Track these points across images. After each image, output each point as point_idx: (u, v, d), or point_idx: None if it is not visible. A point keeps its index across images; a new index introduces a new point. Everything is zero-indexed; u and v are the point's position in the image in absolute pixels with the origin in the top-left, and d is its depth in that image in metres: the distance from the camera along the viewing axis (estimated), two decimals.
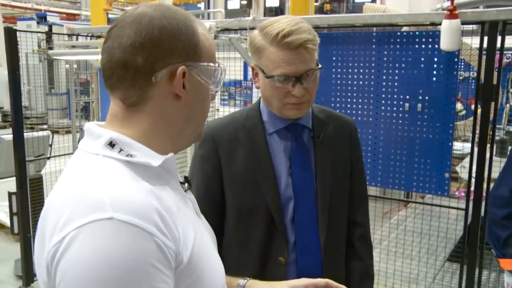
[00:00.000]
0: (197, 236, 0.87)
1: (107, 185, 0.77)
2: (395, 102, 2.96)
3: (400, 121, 2.95)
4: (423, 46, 2.83)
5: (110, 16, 9.82)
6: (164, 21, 0.86)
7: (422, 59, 2.84)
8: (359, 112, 3.06)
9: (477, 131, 2.70)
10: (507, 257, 2.13)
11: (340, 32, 3.12)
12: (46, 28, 10.86)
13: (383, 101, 2.98)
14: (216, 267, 0.92)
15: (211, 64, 0.92)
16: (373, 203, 3.73)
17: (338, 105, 3.11)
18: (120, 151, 0.84)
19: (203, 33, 0.92)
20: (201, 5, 24.35)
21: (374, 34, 2.99)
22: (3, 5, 15.43)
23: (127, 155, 0.83)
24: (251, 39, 1.38)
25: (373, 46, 2.95)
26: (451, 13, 2.58)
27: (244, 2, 23.87)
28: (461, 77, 5.24)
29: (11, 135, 4.10)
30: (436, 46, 2.74)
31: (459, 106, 5.34)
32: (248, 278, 1.21)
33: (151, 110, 0.88)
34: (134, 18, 0.86)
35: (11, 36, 3.97)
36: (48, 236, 0.76)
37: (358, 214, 1.60)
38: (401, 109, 2.94)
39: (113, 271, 0.71)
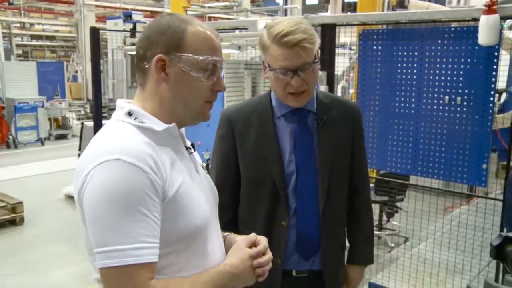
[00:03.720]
0: (185, 184, 1.17)
1: (119, 139, 1.11)
2: (435, 95, 3.07)
3: (440, 114, 3.06)
4: (463, 41, 2.93)
5: (189, 13, 10.31)
6: (159, 23, 1.19)
7: (462, 53, 2.94)
8: (402, 104, 3.20)
9: None
10: None
11: (384, 28, 3.28)
12: (131, 26, 11.63)
13: (424, 94, 3.11)
14: (198, 211, 1.19)
15: (191, 55, 1.17)
16: (434, 198, 3.83)
17: (381, 98, 3.27)
18: (135, 119, 1.17)
19: (194, 32, 1.18)
20: (280, 1, 24.64)
21: (417, 30, 3.12)
22: (96, 6, 16.72)
23: (139, 122, 1.16)
24: (260, 37, 1.65)
25: (415, 42, 3.09)
26: (490, 9, 2.67)
27: None
28: None
29: (92, 122, 4.66)
30: (476, 40, 2.83)
31: None
32: (230, 233, 1.40)
33: (150, 89, 1.20)
34: (149, 22, 1.22)
35: (95, 34, 4.49)
36: (79, 174, 1.10)
37: (360, 185, 1.83)
38: (441, 101, 3.05)
39: (118, 194, 1.04)
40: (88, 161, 1.09)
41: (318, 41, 1.64)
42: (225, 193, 1.76)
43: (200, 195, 1.23)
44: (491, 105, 2.91)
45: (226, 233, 1.39)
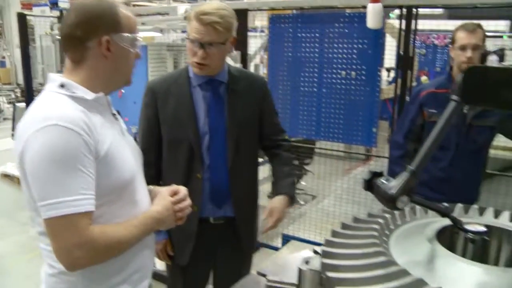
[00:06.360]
0: (114, 144, 1.34)
1: (54, 107, 1.26)
2: (334, 71, 3.59)
3: (338, 86, 3.59)
4: (356, 24, 3.46)
5: None
6: (90, 7, 1.34)
7: (355, 35, 3.47)
8: (306, 79, 3.71)
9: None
10: None
11: (291, 13, 3.77)
12: (58, 13, 11.44)
13: (325, 70, 3.63)
14: (127, 166, 1.39)
15: (129, 34, 1.38)
16: (337, 161, 4.32)
17: (289, 73, 3.76)
18: (67, 90, 1.32)
19: (125, 13, 1.38)
20: None
21: (318, 15, 3.62)
22: None
23: (72, 92, 1.32)
24: (189, 12, 1.97)
25: (316, 25, 3.59)
26: None
27: None
28: None
29: (24, 104, 4.82)
30: (365, 24, 3.35)
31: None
32: (154, 186, 1.60)
33: (88, 65, 1.35)
34: (76, 6, 1.35)
35: (22, 20, 4.67)
36: (20, 140, 1.24)
37: (279, 143, 2.19)
38: (339, 76, 3.58)
39: (57, 154, 1.19)
40: (27, 128, 1.21)
41: (234, 28, 1.94)
42: (150, 152, 2.03)
43: (127, 153, 1.43)
44: (378, 78, 3.47)
45: (151, 187, 1.59)
